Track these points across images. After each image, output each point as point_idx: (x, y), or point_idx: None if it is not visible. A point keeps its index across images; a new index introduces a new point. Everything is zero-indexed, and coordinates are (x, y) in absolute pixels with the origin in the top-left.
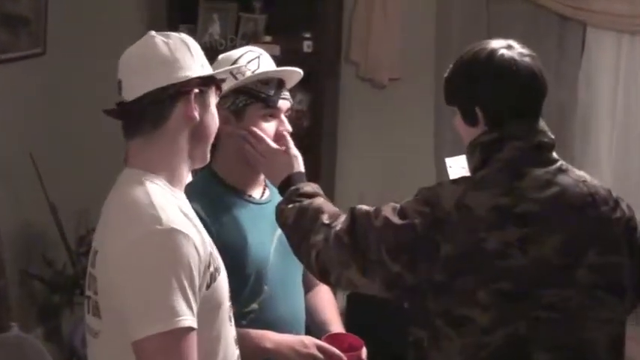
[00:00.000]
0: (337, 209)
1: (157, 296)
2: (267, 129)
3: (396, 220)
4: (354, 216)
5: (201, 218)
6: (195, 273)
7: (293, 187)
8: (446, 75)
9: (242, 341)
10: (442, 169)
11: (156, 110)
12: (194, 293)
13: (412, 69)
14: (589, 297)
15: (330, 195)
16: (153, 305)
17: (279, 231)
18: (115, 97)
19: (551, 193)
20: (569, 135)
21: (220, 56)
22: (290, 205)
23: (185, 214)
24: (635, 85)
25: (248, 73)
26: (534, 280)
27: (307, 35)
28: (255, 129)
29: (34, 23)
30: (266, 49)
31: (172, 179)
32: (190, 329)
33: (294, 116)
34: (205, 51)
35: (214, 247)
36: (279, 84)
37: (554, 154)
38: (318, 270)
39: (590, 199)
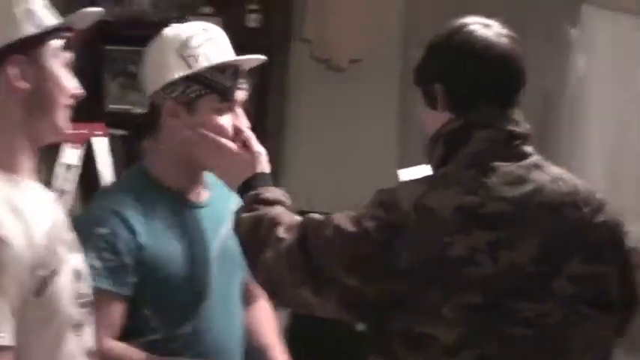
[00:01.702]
0: (297, 219)
1: None
2: (223, 124)
3: (349, 228)
4: (305, 228)
5: (129, 227)
6: (9, 280)
7: (252, 192)
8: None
9: None
10: (406, 164)
11: None
12: (10, 303)
13: (376, 50)
14: (570, 312)
15: None
16: None
17: (219, 239)
18: None
19: (525, 191)
20: (555, 126)
21: (165, 32)
22: (246, 214)
23: (14, 207)
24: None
25: (202, 59)
26: (506, 291)
27: (253, 7)
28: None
29: None
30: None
31: (7, 163)
32: (3, 348)
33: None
34: (133, 23)
35: (60, 244)
36: (235, 71)
37: (529, 147)
38: (269, 290)
39: (569, 199)
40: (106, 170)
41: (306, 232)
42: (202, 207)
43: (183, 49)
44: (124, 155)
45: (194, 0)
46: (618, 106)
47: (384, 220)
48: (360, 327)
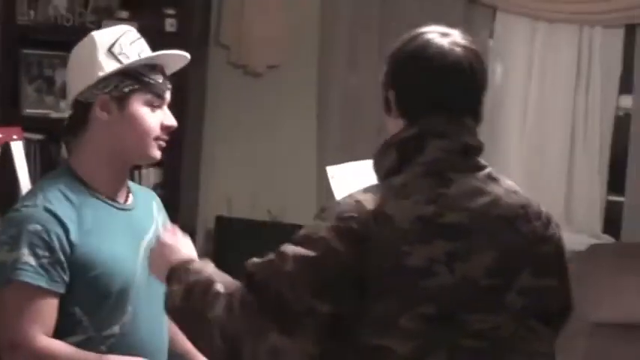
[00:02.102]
0: (232, 279)
1: None
2: (153, 121)
3: (311, 253)
4: (250, 273)
5: (62, 224)
6: None
7: (177, 267)
8: None
9: None
10: (324, 170)
11: None
12: None
13: (293, 55)
14: (520, 326)
15: (193, 198)
16: None
17: (145, 243)
18: None
19: (482, 202)
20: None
21: (93, 34)
22: (175, 287)
23: None
24: (551, 75)
25: (133, 56)
26: (460, 302)
27: (170, 12)
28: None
29: None
30: None
31: None
32: None
33: None
34: (50, 27)
35: None
36: (162, 74)
37: (481, 159)
38: (228, 350)
39: (522, 212)
40: (23, 174)
41: (254, 277)
42: (129, 210)
43: (114, 47)
44: (40, 159)
45: (110, 4)
46: (536, 110)
47: (346, 231)
48: None
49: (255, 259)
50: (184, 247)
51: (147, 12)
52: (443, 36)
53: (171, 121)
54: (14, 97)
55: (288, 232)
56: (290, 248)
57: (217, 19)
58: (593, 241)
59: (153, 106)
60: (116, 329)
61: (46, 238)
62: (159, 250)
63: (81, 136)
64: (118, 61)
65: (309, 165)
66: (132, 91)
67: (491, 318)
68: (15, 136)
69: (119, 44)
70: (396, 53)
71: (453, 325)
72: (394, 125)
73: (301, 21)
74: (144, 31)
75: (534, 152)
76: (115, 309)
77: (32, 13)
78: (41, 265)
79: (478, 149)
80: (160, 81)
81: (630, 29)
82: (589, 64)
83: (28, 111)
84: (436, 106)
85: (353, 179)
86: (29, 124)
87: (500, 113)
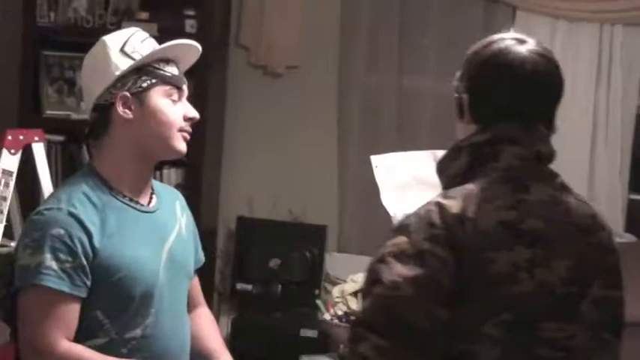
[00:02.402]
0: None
1: None
2: (175, 114)
3: (420, 269)
4: (362, 322)
5: (85, 228)
6: None
7: None
8: None
9: None
10: (345, 170)
11: None
12: None
13: (313, 56)
14: (594, 337)
15: (214, 199)
16: None
17: (169, 244)
18: None
19: (558, 210)
20: None
21: (104, 37)
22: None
23: None
24: (571, 74)
25: (145, 52)
26: (538, 310)
27: (190, 13)
28: None
29: None
30: (142, 28)
31: None
32: None
33: None
34: (70, 29)
35: None
36: (177, 66)
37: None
38: None
39: (591, 222)
40: (44, 176)
41: (373, 323)
42: (152, 212)
43: (126, 47)
44: (61, 161)
45: (130, 5)
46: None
47: (443, 238)
48: (307, 333)
49: (356, 311)
50: None
51: (167, 13)
52: (520, 43)
53: (193, 112)
54: (35, 99)
55: (308, 231)
56: (391, 274)
57: (237, 20)
58: (615, 240)
59: (172, 99)
60: (138, 332)
61: (69, 242)
62: None
63: (103, 138)
64: (132, 58)
65: (330, 165)
66: (150, 86)
67: (567, 327)
68: (36, 138)
69: (130, 43)
70: (472, 58)
71: (530, 332)
72: (465, 129)
73: (321, 22)
74: (164, 32)
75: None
76: (137, 312)
77: (52, 14)
78: (63, 270)
79: (550, 157)
80: (176, 73)
81: None
82: (610, 63)
83: (49, 112)
84: (511, 113)
85: (397, 169)
86: (50, 126)
87: None
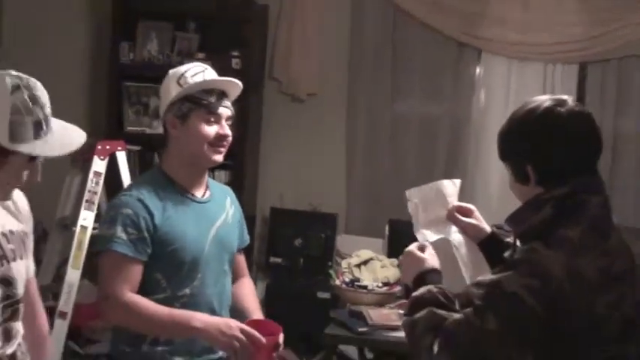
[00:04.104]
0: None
1: None
2: (209, 131)
3: (508, 310)
4: (452, 333)
5: (148, 210)
6: None
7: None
8: (500, 130)
9: (174, 320)
10: (352, 172)
11: None
12: None
13: (327, 86)
14: None
15: (253, 194)
16: None
17: (215, 227)
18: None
19: (626, 248)
20: (464, 147)
21: (170, 72)
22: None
23: None
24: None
25: (191, 83)
26: (626, 340)
27: (235, 54)
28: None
29: None
30: None
31: None
32: None
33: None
34: (145, 65)
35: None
36: (221, 94)
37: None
38: None
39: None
40: (125, 176)
41: (457, 338)
42: (203, 202)
43: (180, 79)
44: (139, 165)
45: (190, 48)
46: None
47: (541, 290)
48: (322, 295)
49: (454, 319)
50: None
51: (218, 54)
52: (562, 105)
53: (225, 131)
54: (119, 119)
55: (323, 218)
56: (487, 307)
57: (270, 60)
58: None
59: (209, 121)
60: (187, 291)
61: (135, 220)
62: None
63: (167, 146)
64: (182, 88)
65: (340, 168)
66: (190, 110)
67: (632, 347)
68: (119, 148)
69: (184, 77)
70: (525, 130)
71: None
72: (530, 191)
73: (334, 60)
74: (215, 69)
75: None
76: (187, 275)
77: (131, 54)
78: (130, 240)
79: (608, 198)
80: (213, 101)
81: (583, 66)
82: (552, 94)
83: (129, 128)
84: (581, 168)
85: (428, 203)
86: (130, 139)
87: (484, 134)
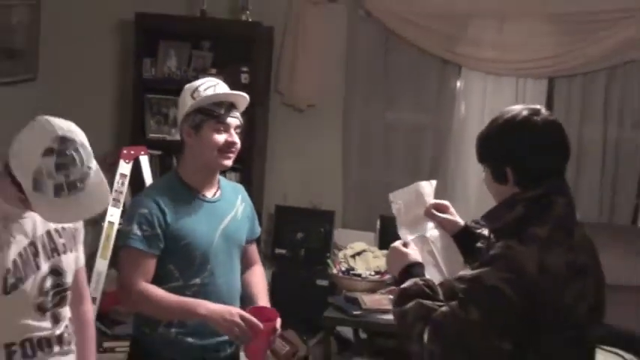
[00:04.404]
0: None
1: None
2: (219, 139)
3: (489, 303)
4: (439, 323)
5: (161, 209)
6: None
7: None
8: (479, 135)
9: (182, 307)
10: (347, 174)
11: None
12: None
13: (325, 98)
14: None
15: (260, 193)
16: None
17: (224, 224)
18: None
19: (589, 243)
20: (445, 154)
21: (186, 86)
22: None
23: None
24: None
25: (203, 96)
26: (587, 324)
27: (244, 69)
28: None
29: (27, 55)
30: None
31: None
32: None
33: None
34: (164, 80)
35: (30, 263)
36: (230, 106)
37: None
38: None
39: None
40: (148, 178)
41: (444, 328)
42: (214, 202)
43: (194, 93)
44: (160, 168)
45: (205, 64)
46: None
47: (518, 282)
48: (321, 282)
49: (441, 311)
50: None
51: (229, 69)
52: (537, 114)
53: (233, 138)
54: (142, 127)
55: (323, 214)
56: (468, 299)
57: (275, 75)
58: None
59: (219, 130)
60: (198, 280)
61: (150, 218)
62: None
63: (183, 153)
64: (195, 101)
65: (337, 171)
66: (202, 121)
67: (596, 329)
68: (142, 152)
69: (198, 91)
70: (505, 136)
71: (584, 344)
72: (507, 190)
73: (331, 75)
74: (227, 83)
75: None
76: (198, 267)
77: (153, 70)
78: (144, 236)
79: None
80: (222, 112)
81: (551, 80)
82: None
83: (151, 135)
84: (553, 171)
85: (409, 204)
86: (152, 144)
87: (464, 140)
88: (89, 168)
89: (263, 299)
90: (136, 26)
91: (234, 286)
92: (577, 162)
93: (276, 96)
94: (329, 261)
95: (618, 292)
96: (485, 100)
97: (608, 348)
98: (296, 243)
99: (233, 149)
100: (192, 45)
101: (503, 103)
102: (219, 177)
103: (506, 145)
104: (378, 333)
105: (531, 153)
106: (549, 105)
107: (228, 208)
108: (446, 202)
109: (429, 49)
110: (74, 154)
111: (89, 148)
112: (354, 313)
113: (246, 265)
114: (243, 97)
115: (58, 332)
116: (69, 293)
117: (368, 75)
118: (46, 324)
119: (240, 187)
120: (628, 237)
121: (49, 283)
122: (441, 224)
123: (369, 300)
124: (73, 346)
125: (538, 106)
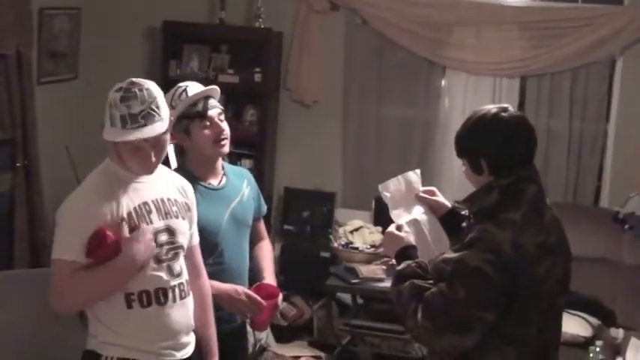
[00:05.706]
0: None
1: None
2: (208, 135)
3: (474, 281)
4: (429, 302)
5: None
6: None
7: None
8: (456, 134)
9: None
10: (347, 160)
11: None
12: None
13: (328, 95)
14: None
15: (271, 177)
16: None
17: (231, 208)
18: None
19: (557, 222)
20: (432, 145)
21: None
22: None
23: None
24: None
25: (180, 104)
26: (557, 295)
27: (257, 70)
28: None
29: (69, 57)
30: (229, 79)
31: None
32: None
33: (247, 126)
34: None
35: None
36: (206, 99)
37: None
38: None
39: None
40: (173, 163)
41: (432, 306)
42: (219, 189)
43: (172, 102)
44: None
45: (222, 65)
46: None
47: (496, 262)
48: (324, 254)
49: (431, 291)
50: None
51: (244, 69)
52: (505, 111)
53: (219, 128)
54: None
55: (325, 196)
56: (456, 279)
57: (284, 74)
58: None
59: (206, 126)
60: (210, 260)
61: None
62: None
63: (185, 153)
64: (174, 109)
65: (337, 158)
66: (189, 124)
67: (563, 298)
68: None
69: (174, 99)
70: (478, 133)
71: (554, 311)
72: (483, 179)
73: (332, 73)
74: (242, 81)
75: None
76: (209, 248)
77: (178, 71)
78: None
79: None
80: (201, 108)
81: (523, 79)
82: (499, 102)
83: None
84: (523, 160)
85: (397, 193)
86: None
87: (448, 132)
88: (153, 110)
89: (269, 272)
90: (163, 32)
91: (243, 265)
92: (546, 150)
93: (285, 93)
94: (331, 236)
95: (582, 264)
96: (467, 96)
97: (574, 312)
98: (302, 220)
99: (223, 137)
100: (212, 48)
101: (482, 99)
102: (223, 164)
103: (479, 139)
104: (373, 298)
105: (501, 144)
106: (522, 100)
107: (233, 193)
108: (433, 188)
109: (418, 52)
110: (138, 92)
111: (159, 98)
112: (353, 281)
113: (254, 240)
114: (213, 89)
115: (173, 283)
116: (181, 251)
117: (364, 75)
118: (162, 274)
119: (246, 172)
120: (590, 216)
121: (163, 238)
122: (431, 206)
123: (365, 270)
124: (187, 301)
125: (506, 105)
